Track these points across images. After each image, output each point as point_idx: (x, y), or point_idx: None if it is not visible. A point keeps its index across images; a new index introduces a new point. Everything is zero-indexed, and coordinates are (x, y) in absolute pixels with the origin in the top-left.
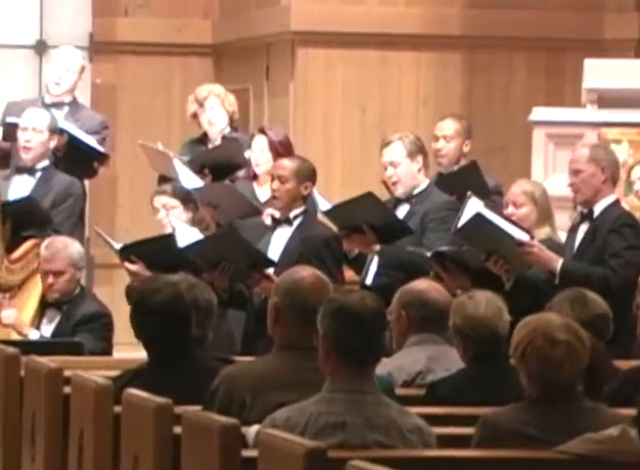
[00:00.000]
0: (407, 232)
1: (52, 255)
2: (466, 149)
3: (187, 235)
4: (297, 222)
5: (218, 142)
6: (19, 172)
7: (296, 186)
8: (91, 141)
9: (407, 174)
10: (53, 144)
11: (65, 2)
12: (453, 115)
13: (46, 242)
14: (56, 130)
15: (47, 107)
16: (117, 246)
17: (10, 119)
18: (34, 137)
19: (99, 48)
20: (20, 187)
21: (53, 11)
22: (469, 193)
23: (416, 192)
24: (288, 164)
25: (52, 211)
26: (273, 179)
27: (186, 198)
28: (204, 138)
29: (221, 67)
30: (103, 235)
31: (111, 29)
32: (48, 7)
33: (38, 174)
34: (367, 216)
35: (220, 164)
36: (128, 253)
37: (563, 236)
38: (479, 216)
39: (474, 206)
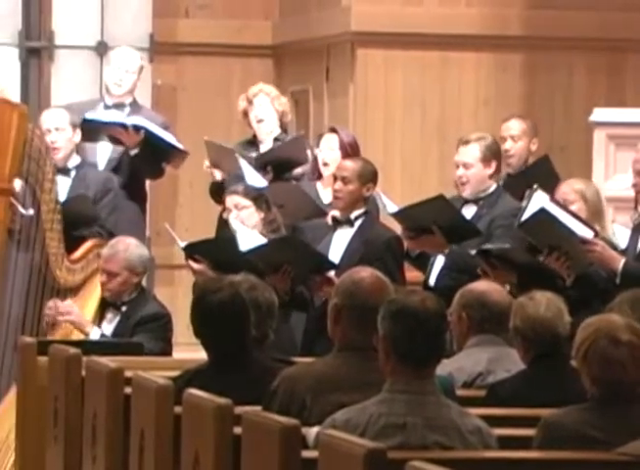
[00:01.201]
0: (476, 234)
1: (110, 255)
2: (533, 147)
3: (248, 238)
4: (358, 223)
5: (267, 142)
6: None
7: (358, 187)
8: (170, 138)
9: (477, 178)
10: (77, 139)
11: (125, 3)
12: (517, 114)
13: (113, 240)
14: (76, 125)
15: (108, 108)
16: (182, 244)
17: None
18: (59, 136)
19: (159, 49)
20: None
21: (114, 12)
22: (535, 186)
23: (483, 195)
24: (351, 166)
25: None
26: (336, 180)
27: (258, 198)
28: (254, 139)
29: (281, 68)
30: (171, 232)
31: (171, 30)
32: (109, 8)
33: (72, 173)
34: (436, 218)
35: (283, 161)
36: (192, 251)
37: (627, 234)
38: (542, 212)
39: (539, 200)
